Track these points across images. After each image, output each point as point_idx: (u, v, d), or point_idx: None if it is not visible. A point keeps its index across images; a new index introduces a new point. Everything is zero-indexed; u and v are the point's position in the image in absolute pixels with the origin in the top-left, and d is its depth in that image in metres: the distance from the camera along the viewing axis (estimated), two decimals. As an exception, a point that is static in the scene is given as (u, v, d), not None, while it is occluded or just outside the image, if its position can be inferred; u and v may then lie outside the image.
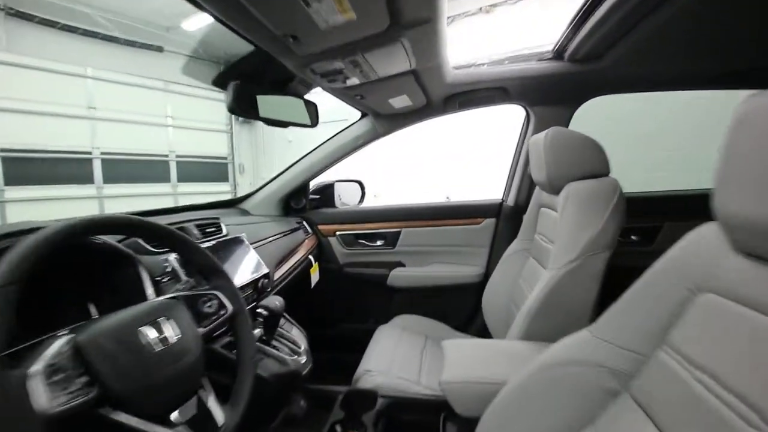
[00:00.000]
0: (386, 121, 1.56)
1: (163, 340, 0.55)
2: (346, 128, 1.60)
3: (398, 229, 1.73)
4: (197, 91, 5.81)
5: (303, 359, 1.02)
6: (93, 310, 0.62)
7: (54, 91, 4.20)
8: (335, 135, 1.62)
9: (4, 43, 3.95)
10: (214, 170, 6.29)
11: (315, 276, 1.65)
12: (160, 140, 5.40)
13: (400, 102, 1.37)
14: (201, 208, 1.43)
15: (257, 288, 1.07)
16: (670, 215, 1.45)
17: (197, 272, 0.73)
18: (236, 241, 1.11)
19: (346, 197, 1.99)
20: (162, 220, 0.97)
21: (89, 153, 4.62)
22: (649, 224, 1.47)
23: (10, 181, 3.92)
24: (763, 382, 0.40)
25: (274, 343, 1.01)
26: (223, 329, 0.74)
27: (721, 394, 0.44)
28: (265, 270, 1.13)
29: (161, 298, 0.61)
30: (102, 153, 4.70)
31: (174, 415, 0.54)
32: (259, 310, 0.95)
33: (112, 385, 0.47)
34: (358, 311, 1.83)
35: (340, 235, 1.77)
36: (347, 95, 1.24)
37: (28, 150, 4.06)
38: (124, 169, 4.97)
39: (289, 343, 1.05)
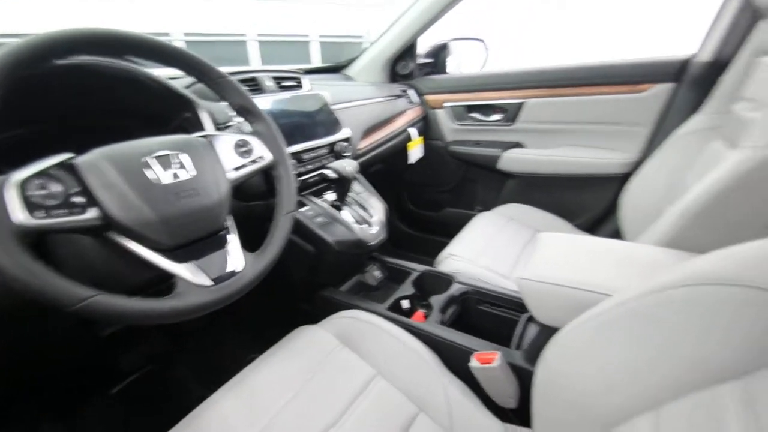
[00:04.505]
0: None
1: (174, 175, 0.51)
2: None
3: (520, 100, 1.37)
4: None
5: (373, 230, 0.94)
6: None
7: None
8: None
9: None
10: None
11: (415, 152, 1.50)
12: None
13: None
14: (303, 72, 1.35)
15: (333, 150, 0.99)
16: None
17: (236, 113, 0.66)
18: (316, 99, 1.02)
19: (464, 61, 1.65)
20: (240, 75, 0.91)
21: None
22: None
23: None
24: None
25: (345, 209, 0.96)
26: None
27: None
28: (345, 133, 1.03)
29: (183, 135, 0.56)
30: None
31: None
32: (327, 172, 0.88)
33: (113, 212, 0.45)
34: (463, 196, 1.65)
35: (449, 106, 1.52)
36: None
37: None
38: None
39: (362, 211, 0.98)
